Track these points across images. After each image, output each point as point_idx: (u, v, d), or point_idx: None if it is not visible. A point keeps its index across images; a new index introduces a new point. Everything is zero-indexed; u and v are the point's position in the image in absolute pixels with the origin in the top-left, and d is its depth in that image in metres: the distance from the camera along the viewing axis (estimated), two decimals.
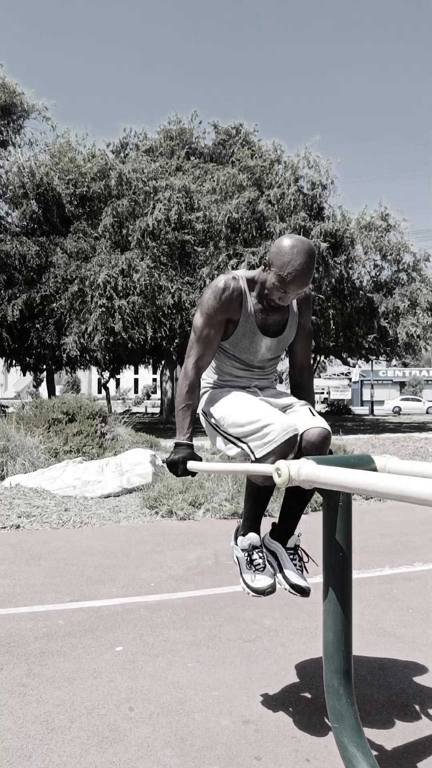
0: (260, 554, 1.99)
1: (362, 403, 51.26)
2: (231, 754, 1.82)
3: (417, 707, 2.12)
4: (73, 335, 15.85)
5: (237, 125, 20.67)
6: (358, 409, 43.63)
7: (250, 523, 2.04)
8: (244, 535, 2.03)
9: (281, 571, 2.00)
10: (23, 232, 17.42)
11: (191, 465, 1.83)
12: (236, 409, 1.93)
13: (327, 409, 34.99)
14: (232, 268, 16.00)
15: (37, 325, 16.89)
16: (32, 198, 17.08)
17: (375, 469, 1.60)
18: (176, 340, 17.54)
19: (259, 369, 2.10)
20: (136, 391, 70.79)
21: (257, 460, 1.84)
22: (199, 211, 16.86)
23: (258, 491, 2.00)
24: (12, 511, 5.35)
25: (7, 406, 18.45)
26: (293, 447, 1.81)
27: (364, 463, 1.59)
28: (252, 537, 2.00)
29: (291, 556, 2.02)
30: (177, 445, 1.92)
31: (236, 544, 2.07)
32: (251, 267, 15.83)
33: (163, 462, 6.08)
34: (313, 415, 1.95)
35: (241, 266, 15.97)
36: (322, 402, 46.27)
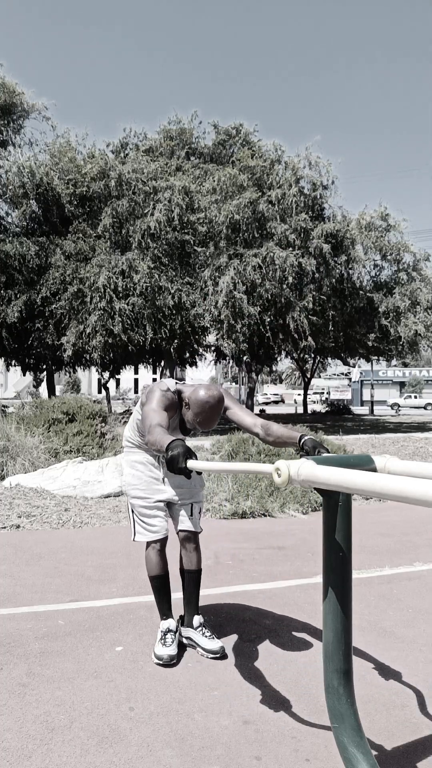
0: (172, 637, 2.50)
1: (362, 403, 51.22)
2: (231, 754, 1.82)
3: (417, 707, 2.12)
4: (70, 336, 15.84)
5: (237, 125, 20.62)
6: (357, 409, 43.60)
7: (161, 609, 2.59)
8: (163, 619, 2.56)
9: (200, 645, 2.53)
10: (23, 232, 17.41)
11: (190, 464, 1.82)
12: (143, 503, 2.56)
13: (327, 409, 34.94)
14: (233, 269, 15.98)
15: (38, 325, 16.89)
16: (32, 198, 17.07)
17: (375, 470, 1.60)
18: (176, 341, 17.53)
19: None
20: (136, 391, 70.75)
21: (135, 539, 2.58)
22: (200, 212, 16.85)
23: (153, 580, 2.57)
24: (12, 511, 5.35)
25: (7, 406, 18.41)
26: (163, 545, 2.57)
27: (364, 463, 1.59)
28: (169, 623, 2.54)
29: (201, 631, 2.56)
30: (170, 443, 1.87)
31: (160, 621, 2.58)
32: (240, 279, 15.80)
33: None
34: (191, 515, 2.61)
35: (243, 266, 16.02)
36: (322, 402, 46.21)
